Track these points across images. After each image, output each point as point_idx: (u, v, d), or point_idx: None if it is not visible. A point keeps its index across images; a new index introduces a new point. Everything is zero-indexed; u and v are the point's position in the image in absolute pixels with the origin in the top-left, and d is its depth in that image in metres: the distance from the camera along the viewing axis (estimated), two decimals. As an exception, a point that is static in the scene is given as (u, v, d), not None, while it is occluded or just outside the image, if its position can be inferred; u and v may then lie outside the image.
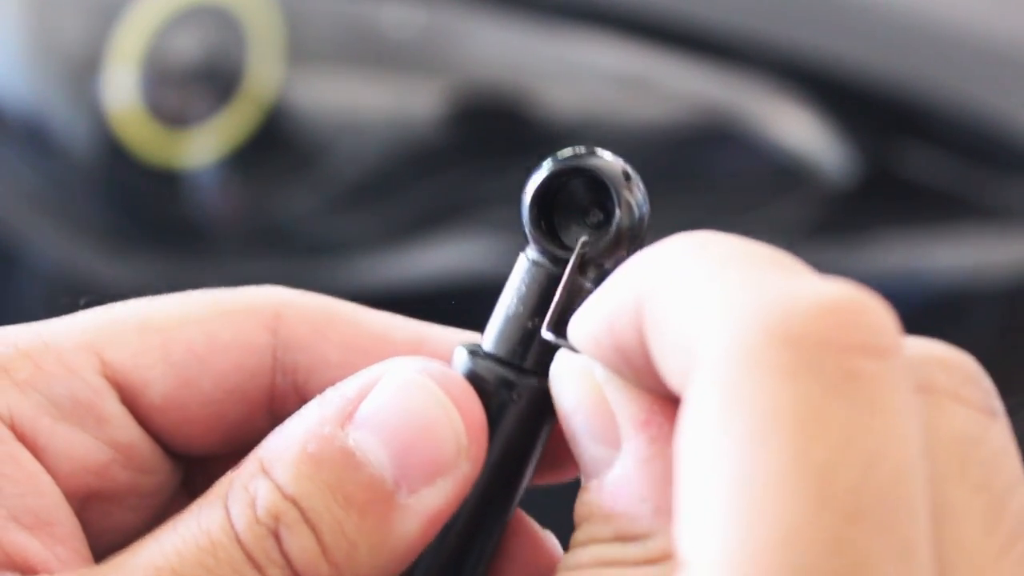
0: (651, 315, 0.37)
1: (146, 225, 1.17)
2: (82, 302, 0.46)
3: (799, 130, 1.14)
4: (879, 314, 0.35)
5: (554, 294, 0.42)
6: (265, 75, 1.13)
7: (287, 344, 0.45)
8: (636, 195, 0.42)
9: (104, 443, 0.44)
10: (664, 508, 0.38)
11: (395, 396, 0.41)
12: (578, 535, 0.40)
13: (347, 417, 0.41)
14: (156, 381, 0.44)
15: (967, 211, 1.14)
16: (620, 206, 0.42)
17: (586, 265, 0.42)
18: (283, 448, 0.41)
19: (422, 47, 1.14)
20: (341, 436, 0.41)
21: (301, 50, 1.14)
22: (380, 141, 1.14)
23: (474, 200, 1.14)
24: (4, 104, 1.17)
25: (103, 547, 0.44)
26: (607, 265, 0.42)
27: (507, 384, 0.42)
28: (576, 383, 0.41)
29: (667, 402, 0.39)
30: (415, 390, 0.41)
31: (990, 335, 1.15)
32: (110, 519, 0.45)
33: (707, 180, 1.16)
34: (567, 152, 0.43)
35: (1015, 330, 1.16)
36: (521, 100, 1.14)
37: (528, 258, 0.43)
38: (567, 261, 0.42)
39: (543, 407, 0.42)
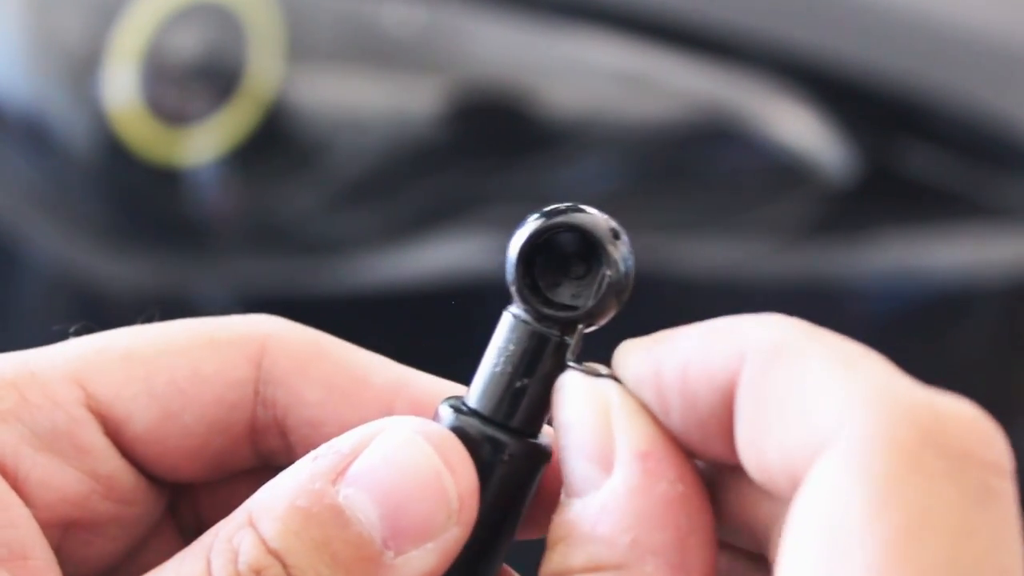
0: (755, 391, 0.37)
1: (146, 223, 1.17)
2: (72, 330, 0.46)
3: (799, 128, 1.14)
4: (1001, 436, 0.37)
5: (541, 352, 0.41)
6: (265, 73, 1.13)
7: (268, 378, 0.45)
8: (623, 251, 0.42)
9: (85, 474, 0.44)
10: (642, 544, 0.38)
11: (390, 455, 0.41)
12: (551, 560, 0.40)
13: (339, 473, 0.40)
14: (138, 413, 0.44)
15: (967, 210, 1.15)
16: (610, 264, 0.41)
17: (574, 324, 0.42)
18: (272, 501, 0.40)
19: (423, 45, 1.14)
20: (332, 492, 0.40)
21: (301, 48, 1.14)
22: (381, 139, 1.14)
23: (474, 198, 1.14)
24: (4, 102, 1.17)
25: None
26: (596, 323, 0.42)
27: (494, 443, 0.41)
28: (582, 398, 0.40)
29: (674, 444, 0.39)
30: (411, 450, 0.41)
31: (990, 334, 1.15)
32: (91, 548, 0.45)
33: (707, 178, 1.16)
34: (551, 208, 0.42)
35: (1015, 329, 1.16)
36: (522, 98, 1.14)
37: (512, 315, 0.42)
38: (552, 318, 0.42)
39: (531, 467, 0.42)
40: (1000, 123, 1.14)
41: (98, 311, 1.14)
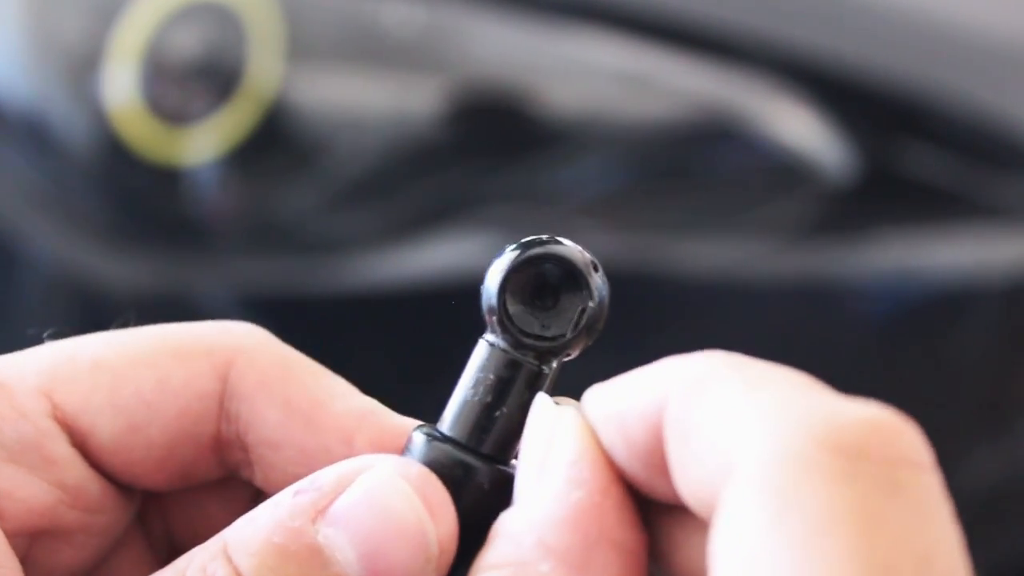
0: (677, 424, 0.38)
1: (146, 222, 1.17)
2: (45, 335, 0.46)
3: (799, 128, 1.14)
4: (915, 435, 0.37)
5: (519, 381, 0.42)
6: (265, 72, 1.13)
7: (234, 392, 0.45)
8: (599, 282, 0.42)
9: (52, 485, 0.44)
10: (546, 545, 0.38)
11: (371, 497, 0.40)
12: (473, 566, 0.40)
13: (320, 512, 0.40)
14: (104, 424, 0.44)
15: (967, 209, 1.15)
16: (591, 295, 0.42)
17: (552, 354, 0.42)
18: (250, 535, 0.40)
19: (423, 44, 1.14)
20: (311, 531, 0.40)
21: (301, 47, 1.14)
22: (381, 139, 1.14)
23: (474, 198, 1.14)
24: (4, 101, 1.17)
25: None
26: (572, 353, 0.42)
27: (469, 471, 0.42)
28: (541, 416, 0.41)
29: (610, 466, 0.39)
30: (392, 493, 0.41)
31: (990, 334, 1.15)
32: (59, 557, 0.45)
33: (707, 178, 1.16)
34: (529, 239, 0.42)
35: (1015, 329, 1.16)
36: (522, 98, 1.14)
37: (489, 343, 0.42)
38: (530, 347, 0.42)
39: (506, 493, 0.41)
40: (1000, 123, 1.14)
41: (98, 311, 1.15)
